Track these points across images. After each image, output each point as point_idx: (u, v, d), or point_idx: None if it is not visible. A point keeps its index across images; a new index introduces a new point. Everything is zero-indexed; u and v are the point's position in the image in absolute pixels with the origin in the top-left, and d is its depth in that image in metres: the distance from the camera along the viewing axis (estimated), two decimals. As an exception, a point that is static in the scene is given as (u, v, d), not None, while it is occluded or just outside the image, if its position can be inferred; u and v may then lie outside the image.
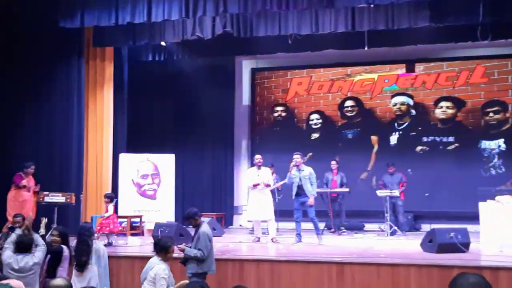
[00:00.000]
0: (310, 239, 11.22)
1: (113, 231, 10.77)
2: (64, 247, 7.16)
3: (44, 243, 6.86)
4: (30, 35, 12.33)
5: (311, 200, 10.57)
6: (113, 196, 11.45)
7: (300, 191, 10.65)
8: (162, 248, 6.64)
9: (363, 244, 10.88)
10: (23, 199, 11.31)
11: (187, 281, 6.30)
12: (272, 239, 11.08)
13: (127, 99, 14.64)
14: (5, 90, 12.40)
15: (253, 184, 11.28)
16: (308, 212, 10.68)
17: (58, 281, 4.39)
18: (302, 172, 10.70)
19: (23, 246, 6.64)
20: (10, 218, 10.69)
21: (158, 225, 10.78)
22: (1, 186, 11.78)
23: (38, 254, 6.66)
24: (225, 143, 15.73)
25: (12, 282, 4.74)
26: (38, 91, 12.52)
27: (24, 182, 11.39)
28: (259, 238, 11.30)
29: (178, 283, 6.33)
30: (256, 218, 11.43)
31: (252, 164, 11.94)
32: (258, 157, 11.56)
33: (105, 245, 9.93)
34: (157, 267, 6.48)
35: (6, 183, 11.95)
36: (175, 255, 6.96)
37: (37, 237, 6.94)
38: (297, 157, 10.76)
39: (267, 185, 11.33)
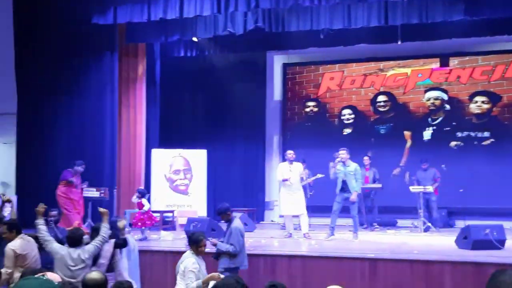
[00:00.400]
0: (343, 234, 11.19)
1: (150, 225, 10.88)
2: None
3: (103, 235, 6.87)
4: (64, 32, 12.49)
5: (353, 197, 10.60)
6: (145, 192, 11.54)
7: (345, 186, 10.73)
8: (193, 242, 6.66)
9: (396, 240, 10.78)
10: (72, 196, 11.37)
11: (217, 274, 6.31)
12: (304, 235, 11.05)
13: (159, 94, 14.73)
14: (41, 87, 12.59)
15: (282, 179, 11.24)
16: (350, 208, 10.74)
17: (93, 274, 4.44)
18: (347, 167, 10.77)
19: (74, 240, 6.75)
20: (65, 211, 11.00)
21: (190, 220, 10.83)
22: (36, 180, 11.99)
23: (90, 247, 6.74)
24: (256, 138, 15.72)
25: (47, 274, 4.79)
26: (72, 87, 12.68)
27: (73, 178, 11.45)
28: (291, 233, 11.28)
29: (208, 275, 6.34)
30: (288, 213, 11.39)
31: (284, 159, 11.89)
32: (290, 152, 11.49)
33: (140, 240, 10.05)
34: (187, 261, 6.51)
35: (41, 177, 12.16)
36: (207, 249, 6.97)
37: (104, 225, 7.01)
38: (343, 153, 10.85)
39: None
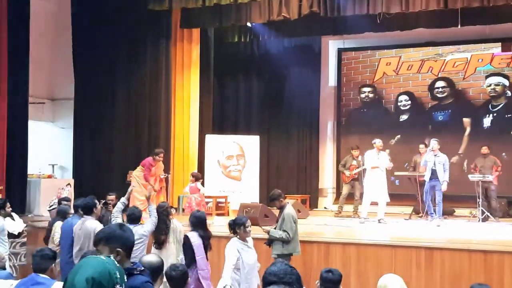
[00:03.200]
0: (398, 223, 11.05)
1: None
2: None
3: (156, 215, 7.08)
4: (120, 19, 12.64)
5: (443, 187, 11.15)
6: (199, 176, 11.58)
7: (433, 176, 11.24)
8: (237, 225, 6.61)
9: (453, 229, 10.53)
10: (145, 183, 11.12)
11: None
12: (379, 220, 11.25)
13: (213, 80, 14.75)
14: (98, 73, 12.82)
15: (371, 166, 11.60)
16: (436, 195, 11.28)
17: (150, 256, 4.46)
18: (437, 157, 11.29)
19: (134, 218, 7.00)
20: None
21: (243, 206, 10.82)
22: (93, 164, 12.20)
23: (147, 225, 6.96)
24: (310, 124, 15.56)
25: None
26: (128, 73, 12.84)
27: (153, 170, 11.34)
28: (366, 219, 11.37)
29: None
30: (370, 199, 11.57)
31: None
32: (379, 141, 11.73)
33: None
34: (228, 244, 6.49)
35: (97, 161, 12.37)
36: (259, 235, 6.94)
37: (152, 208, 7.20)
38: (434, 144, 11.36)
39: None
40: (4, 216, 8.15)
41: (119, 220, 6.93)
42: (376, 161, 11.57)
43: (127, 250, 3.31)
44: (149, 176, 11.15)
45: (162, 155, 11.41)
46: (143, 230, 6.90)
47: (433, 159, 11.28)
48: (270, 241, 7.40)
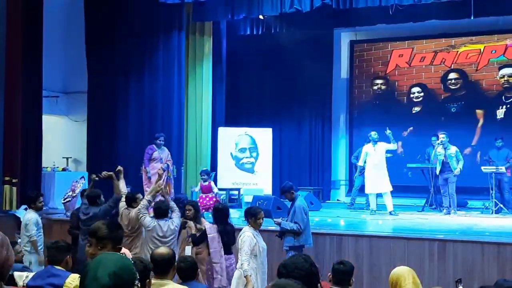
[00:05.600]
0: (410, 215, 11.03)
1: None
2: None
3: (177, 208, 7.15)
4: (133, 12, 12.67)
5: (457, 171, 11.26)
6: (209, 172, 11.56)
7: (444, 168, 11.33)
8: (251, 214, 6.64)
9: (466, 221, 10.51)
10: (154, 172, 10.81)
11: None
12: (390, 212, 11.27)
13: (226, 73, 14.77)
14: (111, 66, 12.87)
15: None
16: (449, 187, 11.31)
17: (161, 249, 4.48)
18: (448, 150, 11.37)
19: (161, 212, 7.03)
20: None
21: (256, 198, 10.86)
22: (107, 157, 12.28)
23: (176, 219, 7.03)
24: (323, 117, 15.56)
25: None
26: (141, 65, 12.88)
27: (155, 154, 11.16)
28: (375, 211, 11.46)
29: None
30: (373, 191, 11.61)
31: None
32: (374, 133, 11.78)
33: None
34: (243, 234, 6.52)
35: (111, 154, 12.45)
36: (271, 227, 6.96)
37: (172, 203, 7.27)
38: (443, 137, 11.45)
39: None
40: (36, 210, 8.22)
41: (147, 217, 6.97)
42: (372, 153, 11.61)
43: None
44: (148, 162, 11.08)
45: (162, 138, 11.23)
46: (174, 225, 6.96)
47: (443, 152, 11.36)
48: (282, 233, 7.43)
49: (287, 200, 8.06)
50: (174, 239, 6.92)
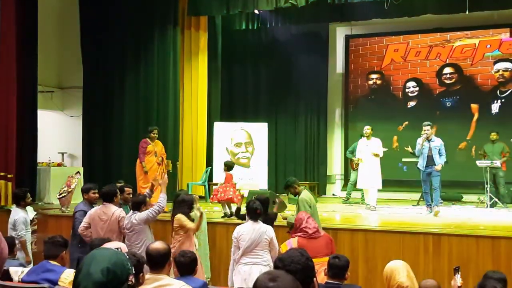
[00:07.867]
0: (405, 209, 11.06)
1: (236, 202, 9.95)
2: None
3: (161, 205, 6.94)
4: (127, 6, 12.64)
5: (437, 167, 10.41)
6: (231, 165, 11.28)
7: (428, 163, 10.52)
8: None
9: (461, 215, 10.54)
10: (150, 166, 10.70)
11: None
12: (370, 208, 11.22)
13: (221, 68, 14.76)
14: (106, 61, 12.85)
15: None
16: (433, 181, 10.51)
17: (156, 244, 4.48)
18: (432, 142, 10.56)
19: (135, 204, 7.04)
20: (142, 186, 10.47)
21: (251, 193, 10.83)
22: (102, 152, 12.25)
23: (141, 215, 6.84)
24: (318, 111, 15.56)
25: (114, 244, 4.88)
26: (136, 61, 12.86)
27: (149, 147, 10.80)
28: (374, 206, 11.35)
29: None
30: (364, 187, 11.61)
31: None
32: (368, 128, 11.62)
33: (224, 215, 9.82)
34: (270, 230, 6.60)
35: (107, 149, 12.42)
36: (279, 223, 6.97)
37: (161, 197, 7.09)
38: (427, 129, 10.58)
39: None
40: (24, 207, 8.22)
41: (142, 213, 6.94)
42: (364, 148, 11.55)
43: None
44: (143, 156, 10.80)
45: (155, 131, 10.93)
46: (134, 218, 6.80)
47: (427, 145, 10.55)
48: (290, 228, 7.47)
49: (290, 195, 8.07)
50: (132, 232, 6.79)
